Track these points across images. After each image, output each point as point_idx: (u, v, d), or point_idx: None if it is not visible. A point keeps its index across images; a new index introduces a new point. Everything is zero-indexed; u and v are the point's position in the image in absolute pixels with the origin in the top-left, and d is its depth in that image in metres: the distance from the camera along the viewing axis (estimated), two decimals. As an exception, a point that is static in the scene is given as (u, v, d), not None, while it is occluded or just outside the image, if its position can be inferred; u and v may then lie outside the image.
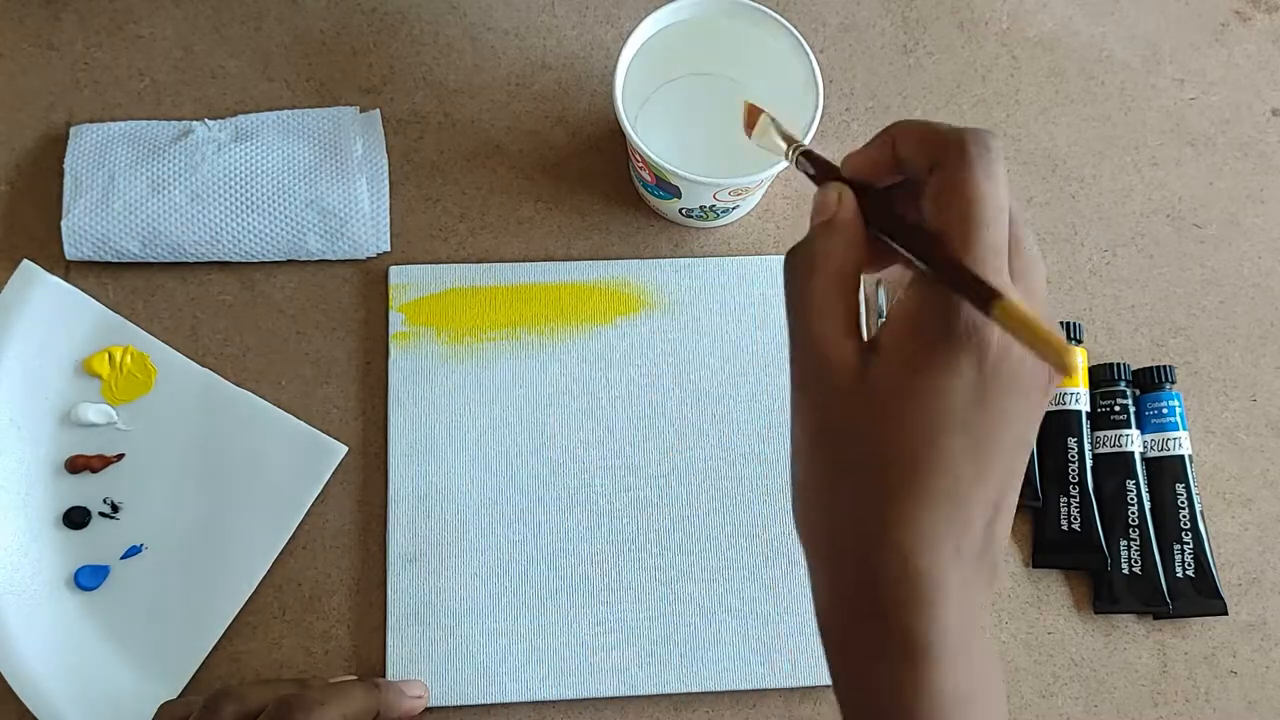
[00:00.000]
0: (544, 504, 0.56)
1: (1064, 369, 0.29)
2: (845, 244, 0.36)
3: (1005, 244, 0.33)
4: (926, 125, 0.35)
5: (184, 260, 0.58)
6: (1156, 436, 0.58)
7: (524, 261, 0.60)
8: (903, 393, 0.33)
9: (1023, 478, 0.35)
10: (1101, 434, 0.58)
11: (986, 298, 0.31)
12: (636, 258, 0.60)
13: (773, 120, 0.46)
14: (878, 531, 0.33)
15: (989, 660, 0.35)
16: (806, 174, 0.40)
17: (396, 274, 0.58)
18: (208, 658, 0.53)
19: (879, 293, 0.61)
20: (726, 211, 0.59)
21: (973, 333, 0.32)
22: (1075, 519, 0.57)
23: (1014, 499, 0.35)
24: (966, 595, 0.33)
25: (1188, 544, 0.57)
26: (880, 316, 0.60)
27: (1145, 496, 0.57)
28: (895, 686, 0.33)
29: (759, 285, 0.60)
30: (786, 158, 0.42)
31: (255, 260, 0.58)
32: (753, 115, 0.46)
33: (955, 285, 0.32)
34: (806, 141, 0.53)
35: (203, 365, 0.57)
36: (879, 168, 0.37)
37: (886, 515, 0.33)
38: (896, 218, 0.36)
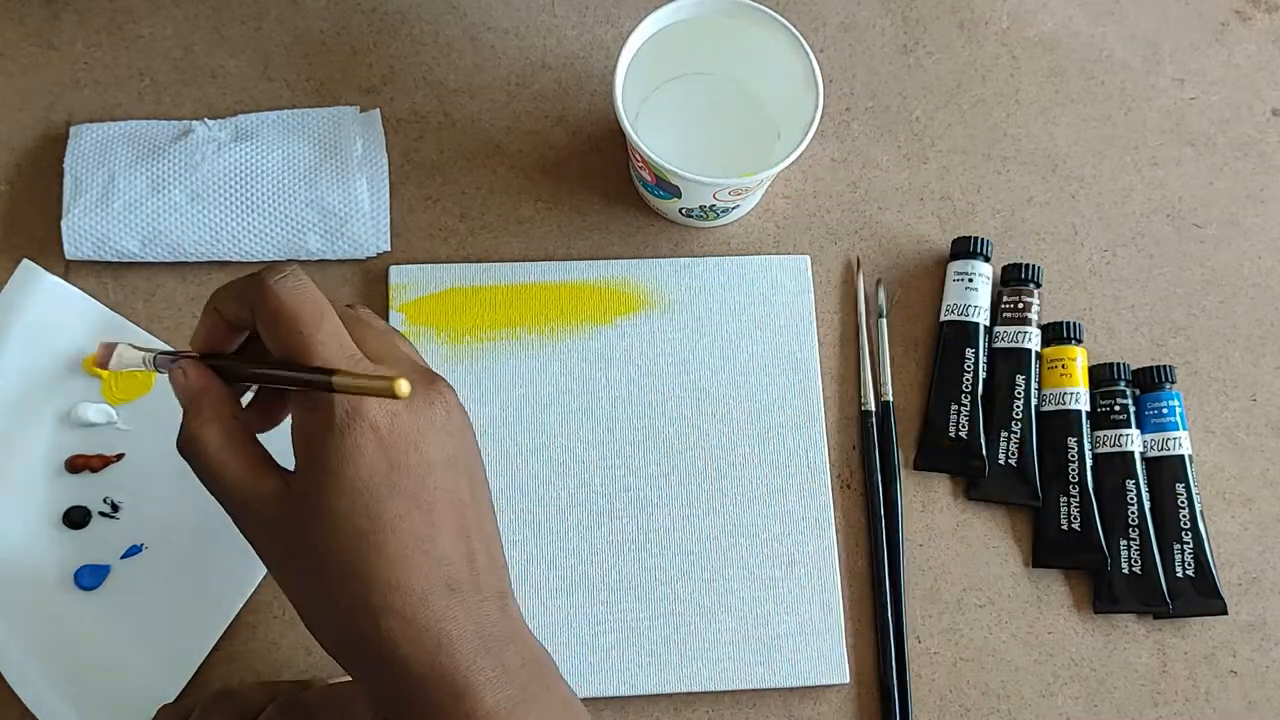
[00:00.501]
0: (543, 503, 0.56)
1: (398, 396, 0.33)
2: (211, 404, 0.39)
3: (342, 331, 0.37)
4: (234, 281, 0.39)
5: (184, 260, 0.58)
6: (1156, 436, 0.58)
7: (524, 261, 0.60)
8: (326, 495, 0.36)
9: (484, 496, 0.39)
10: (1101, 434, 0.58)
11: (326, 378, 0.35)
12: (636, 257, 0.60)
13: (130, 344, 0.46)
14: (369, 612, 0.36)
15: (530, 653, 0.39)
16: (167, 369, 0.42)
17: (396, 274, 0.58)
18: (208, 657, 0.53)
19: (879, 292, 0.61)
20: (726, 211, 0.59)
21: (354, 413, 0.36)
22: (1075, 519, 0.57)
23: (483, 520, 0.39)
24: (477, 620, 0.37)
25: (1188, 544, 0.57)
26: (881, 315, 0.60)
27: (1145, 496, 0.57)
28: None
29: (759, 285, 0.60)
30: (145, 364, 0.44)
31: (255, 260, 0.58)
32: (106, 350, 0.46)
33: (303, 384, 0.36)
34: (806, 141, 0.54)
35: (203, 365, 0.57)
36: (218, 335, 0.40)
37: (370, 597, 0.36)
38: (242, 366, 0.40)
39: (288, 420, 0.40)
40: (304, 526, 0.37)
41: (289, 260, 0.38)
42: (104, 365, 0.45)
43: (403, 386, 0.33)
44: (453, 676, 0.36)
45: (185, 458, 0.39)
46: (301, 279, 0.37)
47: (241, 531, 0.39)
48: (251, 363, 0.40)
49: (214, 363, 0.40)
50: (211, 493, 0.39)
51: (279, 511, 0.37)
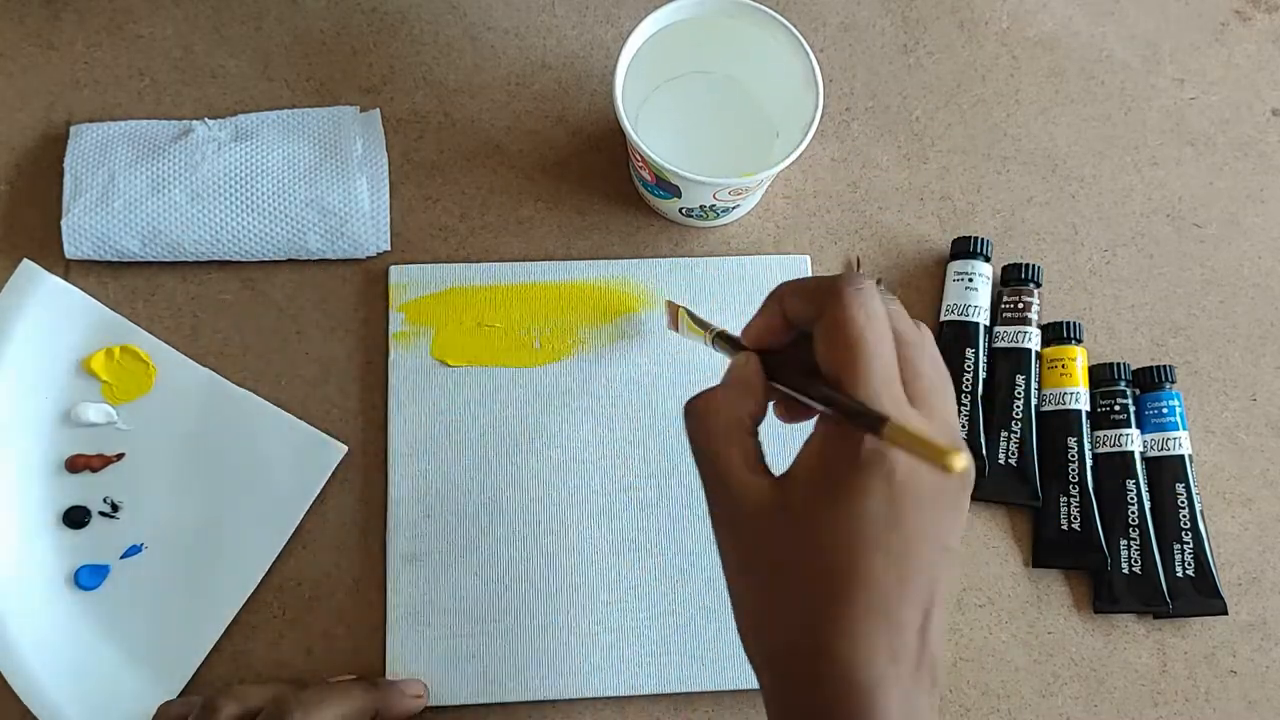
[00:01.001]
0: (544, 503, 0.56)
1: (951, 471, 0.31)
2: (739, 395, 0.40)
3: (894, 372, 0.37)
4: (805, 282, 0.39)
5: (184, 259, 0.58)
6: (1156, 436, 0.58)
7: (524, 261, 0.60)
8: (819, 519, 0.36)
9: (951, 581, 0.39)
10: (1101, 434, 0.58)
11: (875, 421, 0.34)
12: (636, 257, 0.60)
13: (689, 312, 0.52)
14: (816, 650, 0.36)
15: None
16: (723, 350, 0.45)
17: (396, 273, 0.58)
18: (208, 657, 0.53)
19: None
20: (726, 211, 0.59)
21: (878, 457, 0.35)
22: (1075, 519, 0.57)
23: (942, 603, 0.37)
24: (908, 702, 0.36)
25: (1187, 544, 0.57)
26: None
27: (1145, 496, 0.57)
28: None
29: (759, 284, 0.60)
30: (706, 342, 0.48)
31: (255, 259, 0.58)
32: (673, 310, 0.54)
33: (848, 416, 0.35)
34: (806, 141, 0.54)
35: (203, 364, 0.57)
36: (775, 330, 0.40)
37: (821, 636, 0.36)
38: (792, 370, 0.39)
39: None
40: (781, 535, 0.37)
41: (862, 275, 0.38)
42: (671, 326, 0.50)
43: (959, 461, 0.31)
44: None
45: (686, 419, 0.40)
46: (874, 298, 0.37)
47: (714, 516, 0.39)
48: (804, 376, 0.39)
49: (771, 363, 0.40)
50: (701, 466, 0.39)
51: (763, 514, 0.37)
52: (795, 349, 0.40)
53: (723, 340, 0.46)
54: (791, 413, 0.41)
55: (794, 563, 0.36)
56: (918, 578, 0.36)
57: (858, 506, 0.35)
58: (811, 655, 0.36)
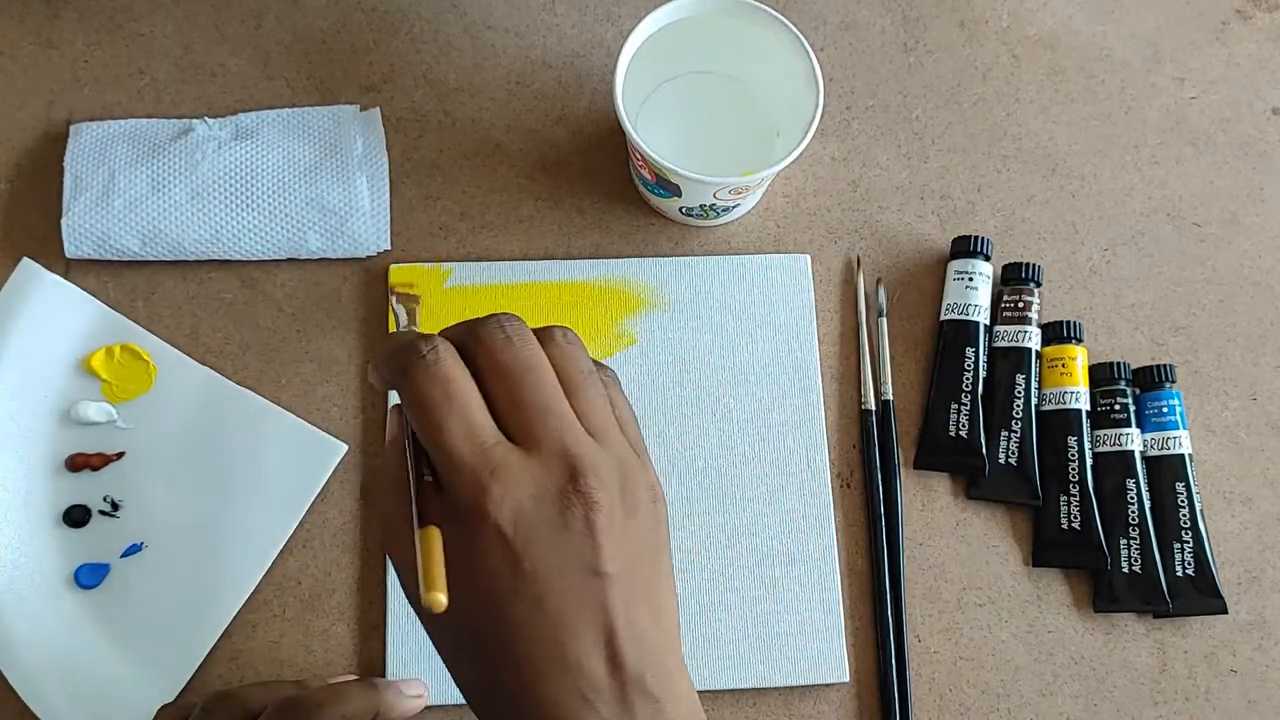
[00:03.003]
0: (544, 502, 0.55)
1: (432, 608, 0.32)
2: (393, 491, 0.38)
3: (479, 419, 0.36)
4: (382, 352, 0.38)
5: (184, 258, 0.58)
6: (1156, 435, 0.58)
7: (524, 260, 0.60)
8: (459, 593, 0.34)
9: (642, 593, 0.37)
10: (1101, 433, 0.58)
11: (416, 524, 0.35)
12: (637, 256, 0.60)
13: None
14: (521, 716, 0.36)
15: None
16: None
17: (397, 272, 0.58)
18: (208, 656, 0.53)
19: (879, 291, 0.61)
20: (727, 210, 0.59)
21: (478, 511, 0.34)
22: (1075, 518, 0.57)
23: (636, 621, 0.36)
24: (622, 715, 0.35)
25: (1188, 543, 0.57)
26: (881, 314, 0.60)
27: (1145, 495, 0.57)
28: None
29: (759, 284, 0.60)
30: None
31: (255, 258, 0.58)
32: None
33: (417, 499, 0.36)
34: (806, 140, 0.54)
35: (203, 363, 0.57)
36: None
37: (505, 702, 0.36)
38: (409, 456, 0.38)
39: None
40: (443, 639, 0.37)
41: (419, 335, 0.37)
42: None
43: (433, 602, 0.32)
44: None
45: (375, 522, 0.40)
46: (440, 359, 0.36)
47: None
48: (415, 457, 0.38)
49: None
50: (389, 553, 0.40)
51: (437, 620, 0.36)
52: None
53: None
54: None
55: (466, 643, 0.36)
56: (574, 614, 0.35)
57: (477, 566, 0.35)
58: (511, 714, 0.36)
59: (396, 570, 0.39)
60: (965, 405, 0.58)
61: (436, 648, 0.39)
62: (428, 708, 0.52)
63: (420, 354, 0.36)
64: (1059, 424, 0.58)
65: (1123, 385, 0.59)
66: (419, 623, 0.53)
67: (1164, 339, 0.62)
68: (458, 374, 0.36)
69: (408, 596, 0.37)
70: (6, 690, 0.50)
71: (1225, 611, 0.57)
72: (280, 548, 0.54)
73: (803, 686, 0.54)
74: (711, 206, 0.58)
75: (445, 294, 0.58)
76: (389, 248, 0.59)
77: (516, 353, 0.37)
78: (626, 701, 0.36)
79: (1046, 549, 0.57)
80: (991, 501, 0.58)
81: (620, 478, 0.37)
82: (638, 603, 0.37)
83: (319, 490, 0.55)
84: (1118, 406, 0.58)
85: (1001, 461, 0.58)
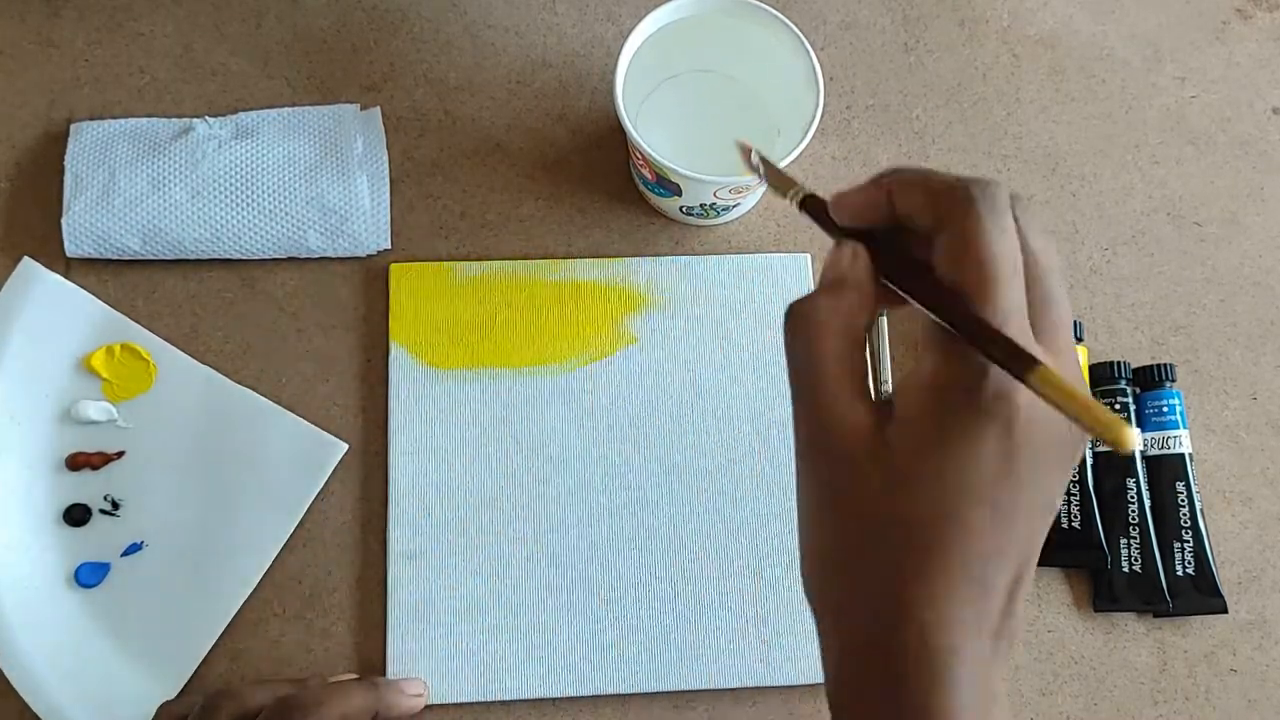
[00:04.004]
0: (544, 501, 0.56)
1: (1122, 447, 0.28)
2: (856, 304, 0.34)
3: (1024, 301, 0.32)
4: (927, 177, 0.34)
5: (184, 257, 0.58)
6: (1157, 435, 0.58)
7: (524, 259, 0.60)
8: (923, 464, 0.32)
9: (1038, 553, 0.34)
10: (1102, 432, 0.58)
11: (1023, 365, 0.30)
12: (637, 255, 0.60)
13: (766, 161, 0.43)
14: (895, 607, 0.32)
15: None
16: (828, 230, 0.38)
17: (397, 271, 0.58)
18: (208, 655, 0.53)
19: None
20: (727, 209, 0.59)
21: (1000, 401, 0.31)
22: (1075, 517, 0.57)
23: (1034, 566, 0.34)
24: (984, 671, 0.32)
25: (1188, 542, 0.57)
26: (881, 314, 0.60)
27: (1145, 495, 0.57)
28: None
29: (760, 283, 0.60)
30: (790, 202, 0.40)
31: (256, 257, 0.58)
32: (745, 152, 0.44)
33: (986, 349, 0.31)
34: (806, 139, 0.54)
35: (203, 362, 0.57)
36: (875, 216, 0.35)
37: (905, 592, 0.32)
38: (913, 273, 0.34)
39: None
40: (880, 489, 0.32)
41: (992, 182, 0.33)
42: (747, 170, 0.42)
43: (1133, 438, 0.28)
44: (936, 714, 0.32)
45: (788, 328, 0.35)
46: (1007, 214, 0.32)
47: (801, 442, 0.35)
48: (928, 285, 0.33)
49: (879, 259, 0.34)
50: (796, 387, 0.34)
51: (861, 450, 0.33)
52: (894, 239, 0.35)
53: (811, 207, 0.38)
54: (885, 300, 0.36)
55: (886, 510, 0.32)
56: (1018, 538, 0.33)
57: (970, 456, 0.31)
58: (888, 614, 0.32)
59: (820, 419, 0.34)
60: (965, 404, 0.58)
61: (814, 482, 0.34)
62: (428, 707, 0.52)
63: (992, 198, 0.32)
64: (1059, 423, 0.58)
65: (1123, 384, 0.59)
66: (419, 622, 0.53)
67: (1164, 338, 0.62)
68: (1015, 235, 0.32)
69: (812, 445, 0.34)
70: (7, 689, 0.50)
71: (1225, 611, 0.57)
72: (280, 547, 0.54)
73: (803, 686, 0.54)
74: (712, 206, 0.58)
75: (445, 293, 0.58)
76: (389, 247, 0.59)
77: (1043, 240, 0.33)
78: (998, 644, 0.33)
79: (1046, 548, 0.56)
80: (992, 501, 0.58)
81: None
82: (1035, 557, 0.34)
83: (319, 489, 0.55)
84: (1118, 406, 0.58)
85: (1002, 461, 0.58)
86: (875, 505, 0.33)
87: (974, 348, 0.31)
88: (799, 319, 0.34)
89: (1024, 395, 0.31)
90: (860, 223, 0.36)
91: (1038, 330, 0.32)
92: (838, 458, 0.33)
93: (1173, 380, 0.59)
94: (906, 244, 0.35)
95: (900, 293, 0.34)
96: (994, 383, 0.31)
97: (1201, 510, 0.57)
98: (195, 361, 0.56)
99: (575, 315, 0.58)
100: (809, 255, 0.61)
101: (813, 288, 0.61)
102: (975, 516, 0.32)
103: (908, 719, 0.32)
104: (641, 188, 0.61)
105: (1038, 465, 0.32)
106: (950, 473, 0.31)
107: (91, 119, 0.60)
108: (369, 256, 0.59)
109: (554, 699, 0.54)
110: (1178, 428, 0.58)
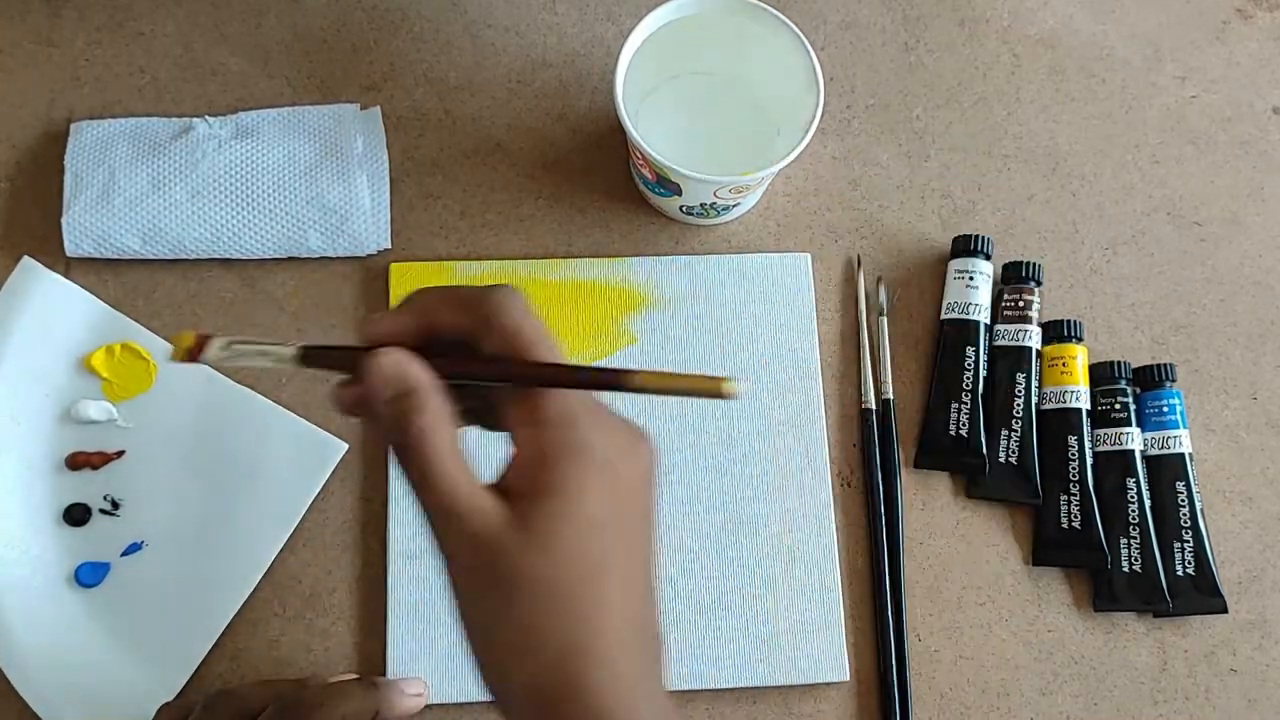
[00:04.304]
0: (544, 501, 0.55)
1: (730, 397, 0.32)
2: (437, 407, 0.35)
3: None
4: (454, 288, 0.37)
5: (184, 257, 0.58)
6: (1157, 434, 0.58)
7: (524, 259, 0.60)
8: (557, 520, 0.34)
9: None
10: (1102, 432, 0.58)
11: (620, 378, 0.34)
12: (637, 255, 0.60)
13: (232, 341, 0.36)
14: (584, 657, 0.34)
15: None
16: (322, 368, 0.37)
17: (397, 271, 0.58)
18: (208, 655, 0.53)
19: (880, 290, 0.61)
20: (727, 209, 0.59)
21: (589, 448, 0.34)
22: (1075, 517, 0.57)
23: (654, 566, 0.37)
24: (660, 684, 0.36)
25: (1188, 542, 0.57)
26: (882, 314, 0.60)
27: (1145, 494, 0.57)
28: None
29: (760, 283, 0.60)
30: (286, 363, 0.37)
31: (256, 257, 0.58)
32: (192, 344, 0.36)
33: (584, 383, 0.35)
34: (806, 139, 0.53)
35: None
36: (407, 335, 0.36)
37: (589, 643, 0.34)
38: (466, 360, 0.36)
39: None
40: (531, 557, 0.34)
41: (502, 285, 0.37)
42: (184, 359, 0.36)
43: (735, 387, 0.32)
44: None
45: (404, 454, 0.35)
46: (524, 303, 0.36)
47: (444, 548, 0.35)
48: (491, 367, 0.36)
49: (439, 366, 0.35)
50: (421, 499, 0.35)
51: (503, 537, 0.34)
52: (449, 348, 0.36)
53: (317, 355, 0.36)
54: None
55: (545, 577, 0.34)
56: (642, 564, 0.36)
57: (588, 502, 0.34)
58: (583, 662, 0.34)
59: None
60: (965, 404, 0.58)
61: (470, 580, 0.36)
62: (428, 706, 0.52)
63: (512, 291, 0.36)
64: (1059, 423, 0.58)
65: (1123, 384, 0.59)
66: (419, 622, 0.53)
67: (1164, 338, 0.62)
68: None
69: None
70: (7, 689, 0.50)
71: (1225, 611, 0.57)
72: (280, 547, 0.54)
73: (803, 686, 0.54)
74: (712, 205, 0.58)
75: (445, 293, 0.58)
76: (389, 246, 0.59)
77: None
78: (659, 659, 0.37)
79: (1047, 548, 0.57)
80: (992, 501, 0.58)
81: None
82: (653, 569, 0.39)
83: (319, 489, 0.55)
84: (1118, 405, 0.58)
85: (1002, 460, 0.58)
86: (530, 572, 0.34)
87: (569, 387, 0.35)
88: (400, 435, 0.35)
89: (604, 437, 0.35)
90: (399, 341, 0.36)
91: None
92: (482, 545, 0.34)
93: (1173, 380, 0.59)
94: (458, 351, 0.37)
95: (468, 383, 0.36)
96: (581, 435, 0.34)
97: (1201, 510, 0.57)
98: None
99: (575, 315, 0.58)
100: (809, 255, 0.61)
101: (813, 286, 0.61)
102: (613, 555, 0.35)
103: None
104: (641, 187, 0.61)
105: (640, 496, 0.36)
106: (582, 524, 0.34)
107: (91, 118, 0.60)
108: (369, 256, 0.59)
109: (554, 699, 0.53)
110: (1178, 427, 0.58)
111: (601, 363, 0.58)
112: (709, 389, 0.33)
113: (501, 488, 0.35)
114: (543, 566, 0.34)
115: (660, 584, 0.54)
